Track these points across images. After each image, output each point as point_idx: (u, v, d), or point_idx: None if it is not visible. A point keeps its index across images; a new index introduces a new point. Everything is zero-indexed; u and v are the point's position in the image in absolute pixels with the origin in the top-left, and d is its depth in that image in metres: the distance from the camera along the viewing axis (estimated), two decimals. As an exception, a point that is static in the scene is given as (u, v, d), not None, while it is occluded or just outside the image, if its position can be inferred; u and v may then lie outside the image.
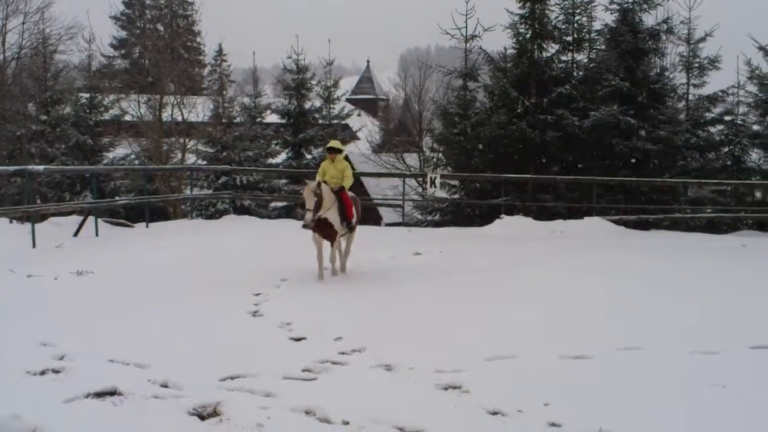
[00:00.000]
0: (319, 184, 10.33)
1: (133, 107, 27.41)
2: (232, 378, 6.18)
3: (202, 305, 8.86)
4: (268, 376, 6.24)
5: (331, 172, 11.03)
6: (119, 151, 26.68)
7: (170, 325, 7.90)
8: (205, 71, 44.22)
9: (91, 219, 15.70)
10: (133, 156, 26.54)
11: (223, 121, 25.62)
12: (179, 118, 26.95)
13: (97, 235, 15.25)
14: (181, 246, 13.44)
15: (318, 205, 10.23)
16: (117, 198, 21.80)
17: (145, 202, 18.62)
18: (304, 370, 6.43)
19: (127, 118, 27.63)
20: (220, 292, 9.59)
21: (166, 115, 26.89)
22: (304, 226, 10.32)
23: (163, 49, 28.59)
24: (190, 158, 26.25)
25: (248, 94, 27.88)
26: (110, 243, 13.97)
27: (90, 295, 9.27)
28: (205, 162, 24.78)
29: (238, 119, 26.19)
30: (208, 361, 6.58)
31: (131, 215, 20.66)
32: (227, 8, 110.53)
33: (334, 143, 11.31)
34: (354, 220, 11.12)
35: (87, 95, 26.53)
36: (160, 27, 45.22)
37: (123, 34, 47.85)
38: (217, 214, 21.76)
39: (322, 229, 10.58)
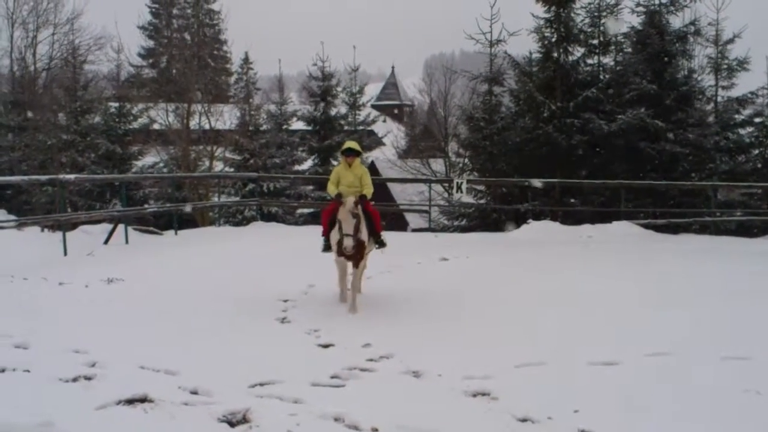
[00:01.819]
0: (357, 203, 8.84)
1: (161, 116, 27.72)
2: (261, 385, 6.21)
3: (231, 312, 8.92)
4: (297, 382, 6.25)
5: (347, 179, 9.47)
6: (148, 160, 26.98)
7: (199, 331, 7.96)
8: (232, 79, 44.72)
9: (120, 227, 15.86)
10: (161, 164, 26.84)
11: (250, 128, 25.82)
12: (206, 126, 27.19)
13: (127, 242, 15.42)
14: (209, 253, 13.55)
15: (357, 227, 8.76)
16: (146, 206, 22.01)
17: (174, 209, 18.77)
18: (332, 377, 6.45)
19: (156, 126, 27.94)
20: (248, 299, 9.65)
21: (193, 124, 27.15)
22: (343, 255, 8.94)
23: (190, 58, 28.90)
24: (218, 166, 26.45)
25: (274, 102, 28.06)
26: (140, 250, 14.11)
27: (121, 302, 9.38)
28: (232, 169, 24.97)
29: (264, 126, 26.37)
30: (237, 368, 6.62)
31: (160, 223, 20.86)
32: (253, 17, 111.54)
33: (352, 144, 9.70)
34: (383, 234, 9.79)
35: (116, 104, 26.86)
36: (187, 36, 45.73)
37: (150, 43, 48.48)
38: (244, 221, 21.90)
39: (357, 252, 9.06)
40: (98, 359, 6.74)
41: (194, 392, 6.02)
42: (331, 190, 9.49)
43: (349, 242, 8.57)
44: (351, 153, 9.57)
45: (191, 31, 43.46)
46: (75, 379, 6.21)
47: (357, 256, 9.06)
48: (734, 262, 12.48)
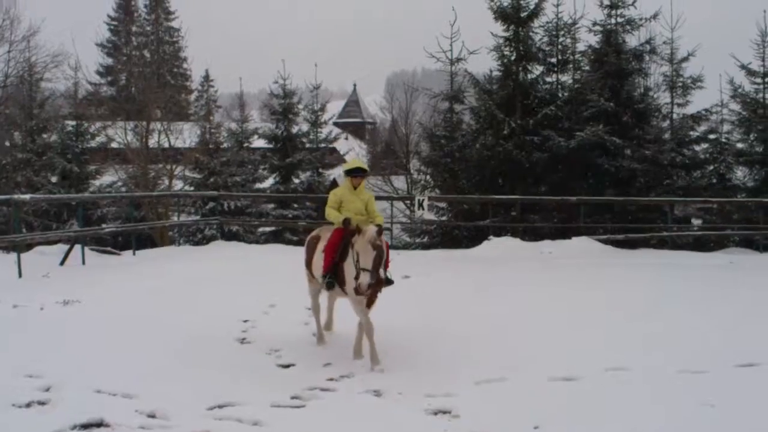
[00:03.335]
0: (380, 232, 7.42)
1: (120, 134, 27.36)
2: (220, 407, 6.15)
3: (189, 333, 8.77)
4: (256, 404, 6.20)
5: (353, 205, 7.99)
6: (106, 179, 26.56)
7: (157, 353, 7.81)
8: (192, 97, 44.47)
9: (77, 247, 15.56)
10: (119, 183, 26.42)
11: (210, 146, 25.57)
12: (166, 145, 26.90)
13: (83, 263, 15.14)
14: (168, 273, 13.34)
15: (378, 261, 7.37)
16: (104, 226, 21.66)
17: (132, 229, 18.49)
18: (292, 398, 6.41)
19: (114, 145, 27.52)
20: (208, 319, 9.50)
21: (152, 142, 26.82)
22: (362, 293, 7.28)
23: (150, 75, 28.68)
24: (177, 184, 26.15)
25: (235, 119, 27.90)
26: (97, 272, 13.85)
27: (76, 325, 9.16)
28: (192, 188, 24.72)
29: (225, 144, 26.16)
30: (196, 390, 6.53)
31: (118, 243, 20.50)
32: (214, 35, 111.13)
33: (359, 163, 8.35)
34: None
35: (73, 123, 26.43)
36: (147, 54, 45.42)
37: (109, 61, 47.92)
38: (204, 240, 21.65)
39: (374, 290, 7.70)
40: (53, 383, 6.60)
41: (152, 416, 5.95)
42: (334, 216, 7.97)
43: (366, 278, 7.11)
44: (359, 173, 8.09)
45: (150, 49, 43.20)
46: (28, 405, 6.07)
47: (374, 294, 7.69)
48: (689, 277, 12.68)
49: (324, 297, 8.67)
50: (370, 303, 7.69)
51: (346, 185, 8.14)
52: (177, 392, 6.47)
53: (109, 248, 18.18)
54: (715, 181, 20.96)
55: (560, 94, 21.73)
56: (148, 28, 48.87)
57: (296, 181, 25.48)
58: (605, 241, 17.42)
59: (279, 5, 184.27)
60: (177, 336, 8.61)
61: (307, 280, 8.70)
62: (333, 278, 7.78)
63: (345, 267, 7.60)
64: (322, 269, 7.91)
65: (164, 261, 15.17)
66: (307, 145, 26.32)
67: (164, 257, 16.07)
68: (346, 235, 7.70)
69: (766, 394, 6.32)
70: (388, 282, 7.92)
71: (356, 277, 7.28)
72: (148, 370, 7.14)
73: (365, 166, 8.27)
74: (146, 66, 31.28)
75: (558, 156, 20.16)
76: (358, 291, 7.16)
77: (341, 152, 37.46)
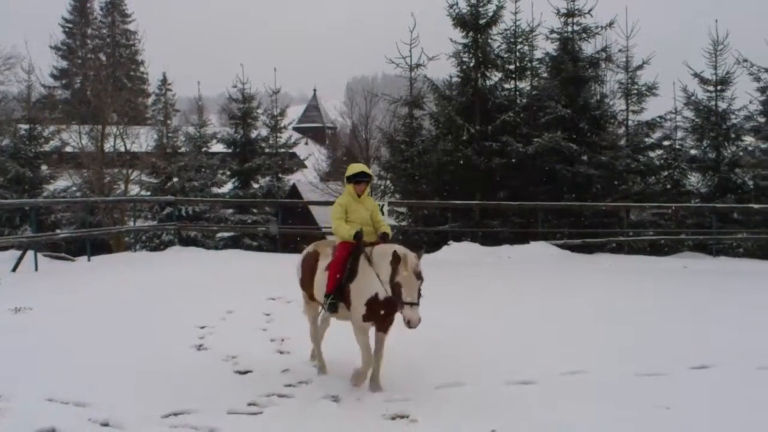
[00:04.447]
0: (420, 256, 6.46)
1: (74, 138, 26.94)
2: (175, 414, 6.07)
3: (145, 340, 8.62)
4: (213, 411, 6.12)
5: (359, 215, 7.15)
6: (60, 183, 26.04)
7: (111, 361, 7.66)
8: (149, 100, 43.91)
9: (30, 253, 15.21)
10: (74, 188, 25.93)
11: (168, 150, 25.27)
12: (122, 149, 26.52)
13: (36, 270, 14.80)
14: (123, 279, 13.13)
15: (419, 291, 6.32)
16: (58, 231, 21.24)
17: (87, 235, 18.16)
18: (249, 404, 6.34)
19: (68, 149, 27.11)
20: (163, 326, 9.35)
21: (108, 146, 26.49)
22: (413, 326, 6.15)
23: (105, 78, 28.27)
24: (134, 189, 25.81)
25: (193, 124, 27.62)
26: (50, 278, 13.57)
27: (28, 333, 8.95)
28: (148, 193, 24.39)
29: (182, 149, 25.88)
30: (151, 398, 6.43)
31: (72, 249, 20.09)
32: (172, 38, 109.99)
33: (363, 167, 7.41)
34: None
35: (26, 126, 25.87)
36: (102, 56, 44.76)
37: (64, 64, 47.10)
38: (161, 246, 21.36)
39: (384, 313, 6.70)
40: (2, 392, 6.46)
41: (105, 424, 5.87)
42: (344, 230, 6.98)
43: (416, 315, 6.11)
44: (363, 178, 7.27)
45: (106, 52, 42.59)
46: (-24, 415, 5.89)
47: (388, 317, 6.77)
48: (645, 282, 12.90)
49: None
50: (388, 327, 6.83)
51: (349, 193, 7.24)
52: (131, 400, 6.37)
53: (63, 254, 17.82)
54: (669, 186, 21.36)
55: (518, 101, 22.00)
56: (104, 31, 48.22)
57: (255, 186, 25.31)
58: (562, 246, 17.62)
59: (239, 9, 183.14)
60: (132, 343, 8.46)
61: (303, 302, 7.72)
62: (337, 299, 6.84)
63: (352, 288, 6.72)
64: (326, 289, 6.94)
65: (120, 267, 14.92)
66: (267, 150, 26.20)
67: (120, 263, 15.80)
68: (354, 250, 6.86)
69: (719, 394, 6.46)
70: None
71: (389, 310, 6.57)
72: (102, 378, 7.00)
73: (369, 171, 7.38)
74: (102, 69, 30.83)
75: (516, 162, 20.39)
76: (408, 326, 6.12)
77: (301, 157, 37.37)
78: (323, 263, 7.16)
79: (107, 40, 46.99)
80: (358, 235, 6.84)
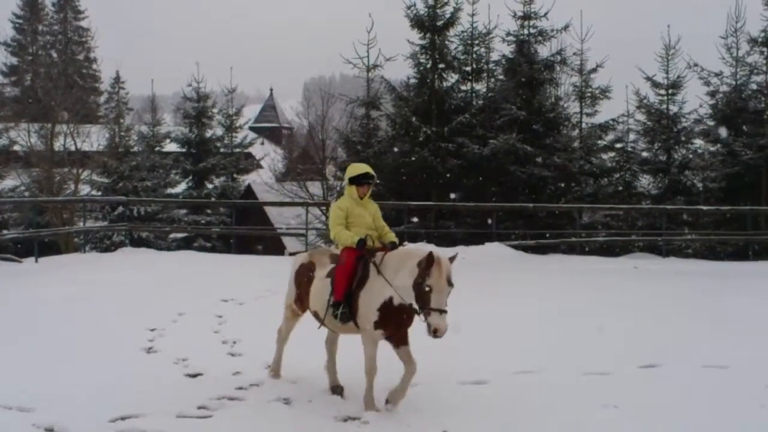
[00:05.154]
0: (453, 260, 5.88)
1: (23, 136, 26.34)
2: (122, 419, 5.96)
3: (93, 342, 8.43)
4: (162, 415, 6.01)
5: (362, 220, 6.62)
6: (8, 183, 25.55)
7: (57, 364, 7.48)
8: (102, 99, 43.12)
9: (-26, 254, 14.80)
10: (22, 188, 25.44)
11: (120, 150, 24.87)
12: (72, 148, 26.01)
13: (-20, 271, 14.38)
14: (72, 281, 12.80)
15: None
16: (5, 232, 20.73)
17: (35, 236, 17.73)
18: (199, 407, 6.23)
19: (17, 148, 26.55)
20: (112, 328, 9.15)
21: (58, 145, 25.97)
22: (441, 335, 5.65)
23: (57, 76, 27.68)
24: (84, 189, 25.34)
25: (147, 123, 27.26)
26: (-5, 280, 13.19)
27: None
28: (99, 193, 23.95)
29: (135, 148, 25.52)
30: (98, 402, 6.29)
31: (20, 250, 19.61)
32: (126, 35, 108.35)
33: (365, 167, 6.80)
34: None
35: (-28, 125, 25.29)
36: (54, 54, 43.80)
37: (14, 60, 45.95)
38: (112, 247, 20.97)
39: (401, 323, 6.21)
40: (-58, 398, 6.22)
41: (50, 429, 5.74)
42: (345, 236, 6.44)
43: (445, 323, 5.62)
44: (367, 180, 6.70)
45: (58, 49, 41.71)
46: None
47: (406, 326, 6.28)
48: (596, 282, 13.07)
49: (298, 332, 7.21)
50: (406, 339, 6.26)
51: (351, 195, 6.68)
52: (78, 404, 6.22)
53: (9, 255, 17.31)
54: (621, 188, 21.74)
55: (475, 103, 22.16)
56: (56, 28, 47.17)
57: (210, 186, 25.06)
58: (516, 247, 17.77)
59: (195, 7, 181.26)
60: (79, 346, 8.27)
61: (284, 318, 7.21)
62: (346, 308, 6.22)
63: (362, 294, 6.18)
64: (332, 298, 6.32)
65: (69, 268, 14.58)
66: (222, 150, 25.99)
67: (69, 265, 15.44)
68: (360, 258, 6.34)
69: (666, 393, 6.56)
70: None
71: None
72: (48, 382, 6.83)
73: (373, 172, 6.72)
74: (53, 66, 30.19)
75: (472, 163, 20.51)
76: (434, 335, 5.61)
77: (257, 157, 37.07)
78: (321, 272, 6.61)
79: (59, 37, 45.95)
80: (362, 243, 6.30)
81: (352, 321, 6.25)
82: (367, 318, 6.11)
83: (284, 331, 7.19)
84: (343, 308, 6.21)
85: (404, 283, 5.83)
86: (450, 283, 5.68)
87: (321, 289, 6.50)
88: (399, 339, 6.21)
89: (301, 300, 6.85)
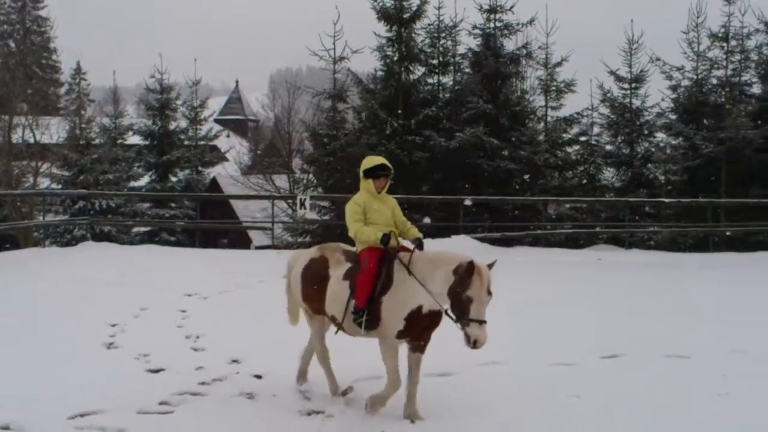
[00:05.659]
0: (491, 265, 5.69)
1: (-20, 129, 25.70)
2: (82, 415, 5.87)
3: (51, 338, 8.28)
4: (122, 411, 5.93)
5: (381, 215, 6.34)
6: (-36, 176, 24.87)
7: (14, 361, 7.32)
8: (62, 90, 42.35)
9: (-72, 249, 14.42)
10: (-21, 181, 24.77)
11: (81, 142, 24.37)
12: (31, 140, 25.48)
13: (-65, 266, 14.01)
14: (31, 276, 12.51)
15: None
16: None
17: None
18: (161, 403, 6.16)
19: (-27, 140, 25.84)
20: (72, 324, 8.96)
21: (16, 137, 25.42)
22: (480, 346, 5.44)
23: (15, 66, 27.08)
24: (44, 182, 24.87)
25: (108, 115, 26.78)
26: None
27: None
28: (59, 186, 23.49)
29: (97, 141, 25.03)
30: (56, 399, 6.20)
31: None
32: (87, 25, 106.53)
33: (381, 159, 6.52)
34: None
35: (-74, 116, 24.63)
36: (12, 43, 42.87)
37: (-31, 50, 44.91)
38: (73, 242, 20.54)
39: (424, 329, 5.99)
40: None
41: (5, 427, 5.63)
42: (368, 233, 6.13)
43: (484, 334, 5.39)
44: (384, 173, 6.40)
45: (16, 39, 40.84)
46: None
47: (429, 331, 6.05)
48: (561, 274, 13.17)
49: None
50: (424, 348, 6.07)
51: (367, 189, 6.36)
52: (35, 401, 6.10)
53: (-34, 250, 16.96)
54: (585, 181, 21.96)
55: (441, 95, 22.15)
56: (14, 17, 46.16)
57: (174, 179, 24.72)
58: (482, 239, 17.83)
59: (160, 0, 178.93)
60: (37, 341, 8.12)
61: (307, 318, 6.69)
62: (369, 315, 5.86)
63: (385, 300, 5.83)
64: (351, 303, 5.98)
65: (27, 263, 14.25)
66: (186, 143, 25.68)
67: (27, 259, 15.09)
68: (384, 258, 5.98)
69: (629, 382, 6.63)
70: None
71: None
72: (4, 379, 6.69)
73: (389, 164, 6.43)
74: (11, 56, 29.53)
75: (439, 156, 20.51)
76: (474, 346, 5.39)
77: (222, 150, 36.71)
78: (337, 271, 6.21)
79: (17, 27, 44.98)
80: (387, 238, 5.96)
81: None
82: (391, 327, 5.80)
83: (319, 343, 6.52)
84: (367, 315, 5.86)
85: (438, 290, 5.57)
86: (490, 293, 5.47)
87: (339, 291, 6.11)
88: (418, 346, 5.97)
89: (310, 299, 6.40)
